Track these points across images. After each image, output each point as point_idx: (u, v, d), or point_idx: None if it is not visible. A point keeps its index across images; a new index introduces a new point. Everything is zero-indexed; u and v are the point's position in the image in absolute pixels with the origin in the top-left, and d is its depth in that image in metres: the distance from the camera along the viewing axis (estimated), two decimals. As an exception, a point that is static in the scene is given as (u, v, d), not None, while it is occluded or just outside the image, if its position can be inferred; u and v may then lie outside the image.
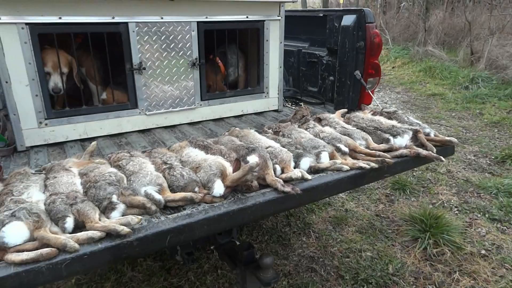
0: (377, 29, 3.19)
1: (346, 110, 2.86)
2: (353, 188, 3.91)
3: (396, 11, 14.89)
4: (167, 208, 1.70)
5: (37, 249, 1.37)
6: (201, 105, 3.04)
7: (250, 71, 3.39)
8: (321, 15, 3.56)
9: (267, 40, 3.16)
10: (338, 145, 2.20)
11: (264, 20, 3.09)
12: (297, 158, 2.07)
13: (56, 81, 2.53)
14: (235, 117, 3.23)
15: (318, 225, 3.96)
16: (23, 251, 1.36)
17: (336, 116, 2.66)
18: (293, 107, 3.65)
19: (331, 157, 2.13)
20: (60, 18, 2.35)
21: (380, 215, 3.99)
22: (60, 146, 2.56)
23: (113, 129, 2.73)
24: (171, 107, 2.91)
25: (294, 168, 2.00)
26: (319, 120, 2.60)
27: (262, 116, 3.29)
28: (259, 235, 3.76)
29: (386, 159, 2.12)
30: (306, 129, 2.44)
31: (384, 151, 2.22)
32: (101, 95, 2.87)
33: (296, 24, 3.93)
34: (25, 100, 2.39)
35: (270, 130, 2.51)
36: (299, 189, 1.84)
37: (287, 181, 1.89)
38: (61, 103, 2.82)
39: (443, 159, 2.27)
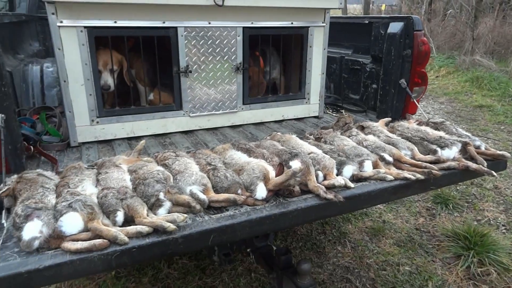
0: (424, 37, 3.11)
1: (390, 119, 2.79)
2: (396, 199, 3.80)
3: (442, 18, 14.38)
4: (210, 208, 1.74)
5: (90, 240, 1.45)
6: (242, 109, 3.08)
7: (292, 77, 3.40)
8: (367, 22, 3.52)
9: (310, 46, 3.16)
10: (382, 154, 2.16)
11: (309, 27, 3.09)
12: (340, 166, 2.05)
13: (105, 78, 2.66)
14: (275, 122, 3.25)
15: (354, 235, 3.88)
16: (77, 240, 1.45)
17: (379, 125, 2.61)
18: (334, 114, 3.62)
19: (375, 166, 2.09)
20: (115, 22, 2.47)
21: (420, 229, 3.85)
22: (108, 144, 2.68)
23: (158, 129, 2.83)
24: (214, 110, 2.98)
25: (337, 175, 1.99)
26: (362, 128, 2.56)
27: (302, 122, 3.28)
28: (293, 241, 3.74)
29: (432, 171, 2.05)
30: (348, 136, 2.42)
31: (431, 162, 2.15)
32: (148, 96, 2.99)
33: (340, 31, 3.90)
34: (80, 99, 2.53)
35: (312, 136, 2.51)
36: (342, 196, 1.82)
37: (329, 188, 1.88)
38: (110, 103, 2.96)
39: (494, 173, 2.16)
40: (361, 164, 2.07)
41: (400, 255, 3.42)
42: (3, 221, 1.66)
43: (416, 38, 2.99)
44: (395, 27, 3.13)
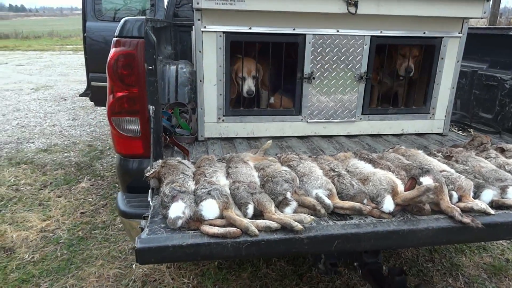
0: None
1: (536, 143, 2.45)
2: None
3: None
4: (333, 214, 1.73)
5: (224, 227, 1.56)
6: (361, 119, 3.02)
7: (417, 89, 3.21)
8: (511, 33, 3.15)
9: (442, 58, 2.95)
10: (530, 182, 1.90)
11: (443, 37, 2.89)
12: (477, 189, 1.86)
13: (250, 84, 2.88)
14: (393, 135, 3.10)
15: (469, 269, 3.48)
16: (214, 225, 1.57)
17: (524, 149, 2.30)
18: (460, 133, 3.31)
19: (520, 194, 1.85)
20: (250, 28, 2.64)
21: (558, 276, 3.29)
22: (230, 141, 2.87)
23: (276, 132, 2.93)
24: (331, 118, 2.97)
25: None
26: (501, 151, 2.29)
27: (423, 138, 3.07)
28: (396, 263, 3.51)
29: None
30: (486, 158, 2.18)
31: None
32: (269, 99, 3.12)
33: (473, 42, 3.56)
34: (211, 98, 2.76)
35: (440, 154, 2.33)
36: (480, 222, 1.65)
37: (465, 211, 1.72)
38: (233, 103, 3.17)
39: None
40: (503, 189, 1.85)
41: (529, 302, 2.97)
42: (149, 199, 1.89)
43: None
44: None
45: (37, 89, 10.37)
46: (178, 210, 1.58)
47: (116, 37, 2.14)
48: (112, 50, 2.13)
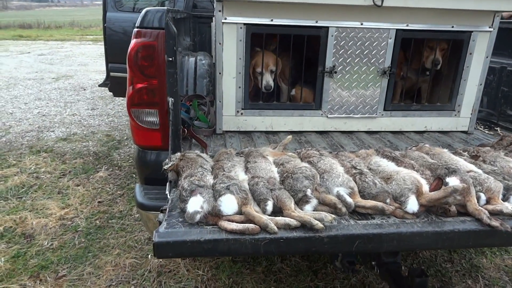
0: None
1: None
2: None
3: None
4: (354, 213, 1.69)
5: (243, 223, 1.53)
6: (382, 115, 2.93)
7: (442, 85, 3.09)
8: (545, 28, 3.00)
9: (470, 53, 2.83)
10: None
11: (472, 31, 2.77)
12: (506, 191, 1.78)
13: (268, 79, 2.83)
14: (416, 132, 3.01)
15: (489, 271, 3.38)
16: (232, 221, 1.54)
17: (556, 150, 2.19)
18: (486, 131, 3.19)
19: (553, 198, 1.76)
20: (271, 20, 2.59)
21: None
22: (248, 135, 2.83)
23: (295, 126, 2.88)
24: (352, 113, 2.90)
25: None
26: (532, 151, 2.19)
27: (448, 136, 2.97)
28: (414, 262, 3.44)
29: None
30: (515, 159, 2.09)
31: None
32: (291, 92, 3.06)
33: (503, 37, 3.41)
34: (230, 90, 2.72)
35: (466, 153, 2.24)
36: (510, 226, 1.58)
37: (493, 214, 1.65)
38: (251, 97, 3.12)
39: None
40: (535, 193, 1.76)
41: (553, 308, 2.86)
42: (167, 192, 1.87)
43: None
44: None
45: (58, 78, 10.54)
46: (196, 204, 1.56)
47: (137, 27, 2.12)
48: (133, 41, 2.11)
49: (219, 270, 3.08)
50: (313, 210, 1.64)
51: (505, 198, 1.77)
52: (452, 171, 1.78)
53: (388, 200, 1.69)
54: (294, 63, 3.07)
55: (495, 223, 1.58)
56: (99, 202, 4.01)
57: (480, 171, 1.91)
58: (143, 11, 2.12)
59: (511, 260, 3.47)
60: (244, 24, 2.57)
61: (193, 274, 3.00)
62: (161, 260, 3.10)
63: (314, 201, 1.65)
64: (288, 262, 3.33)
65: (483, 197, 1.72)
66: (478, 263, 3.48)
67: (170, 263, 3.12)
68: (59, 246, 3.24)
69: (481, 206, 1.68)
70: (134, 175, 4.61)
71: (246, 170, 1.92)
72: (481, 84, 2.93)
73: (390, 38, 2.71)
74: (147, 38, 2.10)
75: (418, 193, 1.68)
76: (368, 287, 3.05)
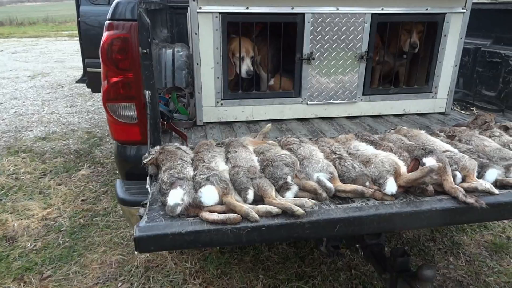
0: None
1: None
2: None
3: None
4: (334, 197, 1.71)
5: (224, 213, 1.53)
6: (361, 100, 2.96)
7: (418, 68, 3.13)
8: (516, 8, 3.06)
9: (445, 35, 2.87)
10: (535, 160, 1.86)
11: (446, 13, 2.81)
12: (481, 168, 1.83)
13: (249, 64, 2.81)
14: (395, 115, 3.06)
15: (470, 247, 3.49)
16: (213, 212, 1.54)
17: (528, 127, 2.26)
18: (462, 111, 3.26)
19: (525, 173, 1.81)
20: (247, 8, 2.56)
21: (559, 252, 3.29)
22: (229, 125, 2.82)
23: (276, 114, 2.88)
24: (332, 99, 2.91)
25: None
26: (505, 129, 2.25)
27: (426, 118, 3.02)
28: (398, 243, 3.52)
29: None
30: (489, 137, 2.14)
31: None
32: (269, 81, 3.05)
33: (476, 18, 3.46)
34: (208, 81, 2.69)
35: (443, 134, 2.29)
36: (484, 202, 1.62)
37: (469, 191, 1.69)
38: (231, 86, 3.10)
39: None
40: (508, 169, 1.82)
41: (530, 279, 2.98)
42: (147, 186, 1.86)
43: None
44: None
45: (34, 76, 10.25)
46: (176, 197, 1.55)
47: (109, 20, 2.07)
48: (105, 34, 2.06)
49: (207, 262, 3.08)
50: (294, 197, 1.65)
51: (480, 176, 1.82)
52: (429, 152, 1.81)
53: (367, 183, 1.71)
54: (273, 52, 3.05)
55: (470, 200, 1.62)
56: (82, 200, 3.95)
57: (455, 150, 1.95)
58: (114, 3, 2.07)
59: (490, 236, 3.58)
60: (220, 13, 2.54)
61: (181, 267, 3.00)
62: (148, 255, 3.09)
63: (294, 188, 1.66)
64: (275, 250, 3.36)
65: (458, 175, 1.76)
66: (459, 240, 3.58)
67: (158, 257, 3.11)
68: (42, 247, 3.19)
69: (457, 184, 1.72)
70: (117, 172, 4.56)
71: (227, 160, 1.91)
72: (456, 66, 2.98)
73: (366, 23, 2.72)
74: (120, 31, 2.06)
75: (396, 174, 1.71)
76: (354, 270, 3.11)
